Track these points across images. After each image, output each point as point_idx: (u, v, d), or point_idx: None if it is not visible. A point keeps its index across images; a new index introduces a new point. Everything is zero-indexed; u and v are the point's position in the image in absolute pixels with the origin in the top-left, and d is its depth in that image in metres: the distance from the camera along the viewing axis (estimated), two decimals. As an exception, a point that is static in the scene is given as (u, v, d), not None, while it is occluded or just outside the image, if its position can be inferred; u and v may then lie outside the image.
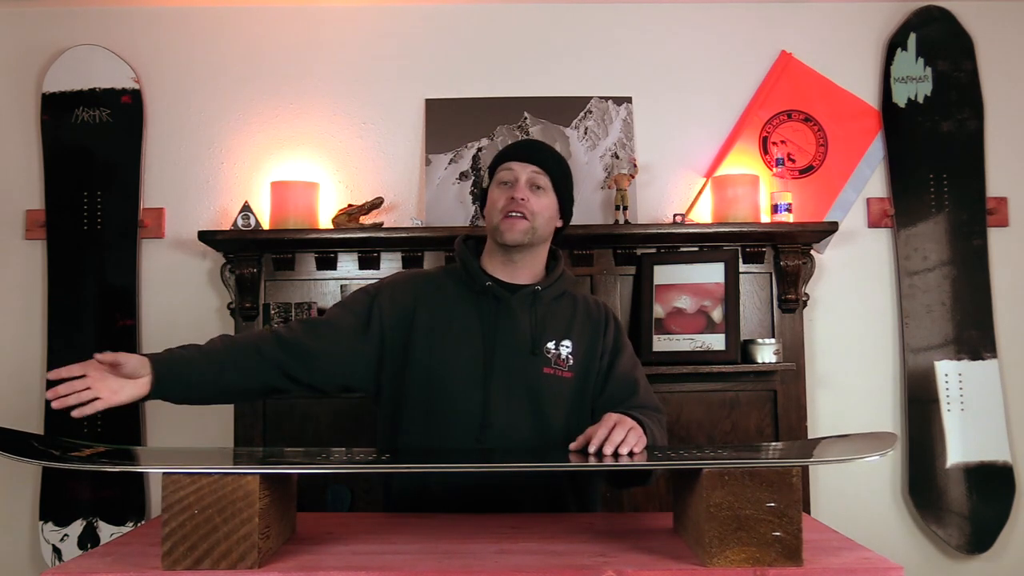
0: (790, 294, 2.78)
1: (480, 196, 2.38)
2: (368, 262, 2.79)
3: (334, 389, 1.75)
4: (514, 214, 1.70)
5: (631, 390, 1.73)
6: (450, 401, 1.67)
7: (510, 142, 1.90)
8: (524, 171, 1.72)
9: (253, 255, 2.75)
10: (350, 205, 2.76)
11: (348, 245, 2.76)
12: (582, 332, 1.76)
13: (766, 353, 2.67)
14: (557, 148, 2.83)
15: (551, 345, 1.72)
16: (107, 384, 1.46)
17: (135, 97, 2.89)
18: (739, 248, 2.78)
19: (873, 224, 2.91)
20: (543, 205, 1.73)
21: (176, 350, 1.60)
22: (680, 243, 2.79)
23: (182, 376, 1.56)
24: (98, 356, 1.47)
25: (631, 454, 1.42)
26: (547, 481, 1.72)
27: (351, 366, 1.71)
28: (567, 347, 1.73)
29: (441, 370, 1.68)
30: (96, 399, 1.45)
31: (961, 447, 2.79)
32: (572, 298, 1.81)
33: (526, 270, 1.76)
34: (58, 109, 2.87)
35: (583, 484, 1.77)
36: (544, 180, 1.73)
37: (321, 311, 2.74)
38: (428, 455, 1.59)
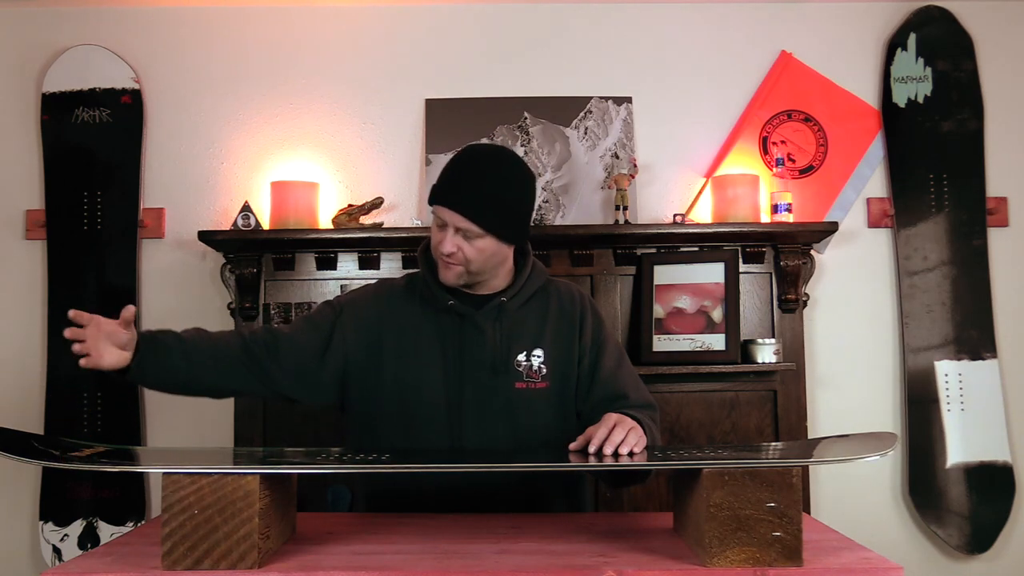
0: (790, 294, 2.78)
1: None
2: (368, 262, 2.79)
3: (298, 400, 1.73)
4: (446, 260, 1.63)
5: (621, 391, 1.67)
6: (422, 422, 1.65)
7: (452, 161, 1.66)
8: (452, 219, 1.58)
9: (253, 255, 2.75)
10: (350, 205, 2.76)
11: (348, 245, 2.76)
12: (556, 335, 1.70)
13: (766, 353, 2.67)
14: (557, 149, 2.87)
15: (521, 358, 1.67)
16: (97, 346, 1.48)
17: (135, 97, 2.89)
18: (739, 248, 2.78)
19: (873, 224, 2.91)
20: (477, 250, 1.60)
21: (161, 337, 1.58)
22: (680, 243, 2.79)
23: (160, 364, 1.56)
24: (120, 318, 1.47)
25: (631, 454, 1.41)
26: (535, 482, 1.69)
27: (309, 385, 1.68)
28: (539, 356, 1.67)
29: (411, 394, 1.65)
30: (85, 355, 1.48)
31: (961, 447, 2.79)
32: (544, 296, 1.73)
33: (488, 283, 1.70)
34: (58, 109, 2.87)
35: (572, 485, 1.75)
36: (475, 229, 1.58)
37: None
38: (420, 455, 1.58)
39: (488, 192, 1.60)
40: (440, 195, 1.62)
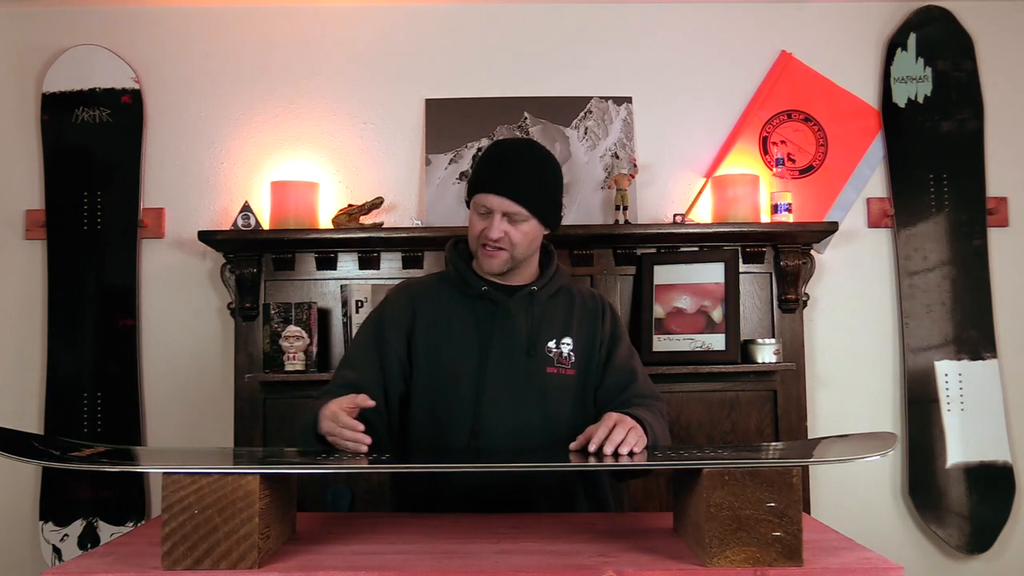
0: (790, 294, 2.78)
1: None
2: (368, 262, 2.79)
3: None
4: (491, 247, 1.69)
5: (629, 379, 1.74)
6: (451, 406, 1.69)
7: (489, 152, 1.76)
8: (500, 205, 1.66)
9: (253, 255, 2.75)
10: (350, 205, 2.76)
11: (348, 245, 2.76)
12: (581, 327, 1.77)
13: (766, 353, 2.67)
14: (557, 149, 2.87)
15: (552, 344, 1.73)
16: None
17: (135, 97, 2.89)
18: (739, 248, 2.78)
19: (873, 224, 2.91)
20: (522, 233, 1.69)
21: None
22: (680, 243, 2.79)
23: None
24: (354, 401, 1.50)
25: (631, 454, 1.42)
26: (559, 481, 1.72)
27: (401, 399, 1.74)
28: (568, 345, 1.74)
29: (443, 377, 1.70)
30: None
31: (961, 447, 2.79)
32: (569, 293, 1.82)
33: (518, 275, 1.77)
34: (58, 109, 2.86)
35: (595, 484, 1.78)
36: (523, 212, 1.67)
37: (322, 311, 2.75)
38: (429, 455, 1.59)
39: (532, 177, 1.70)
40: (485, 183, 1.69)
